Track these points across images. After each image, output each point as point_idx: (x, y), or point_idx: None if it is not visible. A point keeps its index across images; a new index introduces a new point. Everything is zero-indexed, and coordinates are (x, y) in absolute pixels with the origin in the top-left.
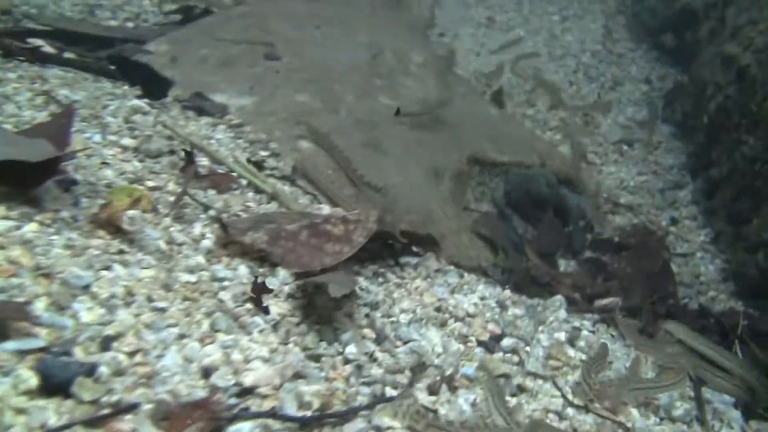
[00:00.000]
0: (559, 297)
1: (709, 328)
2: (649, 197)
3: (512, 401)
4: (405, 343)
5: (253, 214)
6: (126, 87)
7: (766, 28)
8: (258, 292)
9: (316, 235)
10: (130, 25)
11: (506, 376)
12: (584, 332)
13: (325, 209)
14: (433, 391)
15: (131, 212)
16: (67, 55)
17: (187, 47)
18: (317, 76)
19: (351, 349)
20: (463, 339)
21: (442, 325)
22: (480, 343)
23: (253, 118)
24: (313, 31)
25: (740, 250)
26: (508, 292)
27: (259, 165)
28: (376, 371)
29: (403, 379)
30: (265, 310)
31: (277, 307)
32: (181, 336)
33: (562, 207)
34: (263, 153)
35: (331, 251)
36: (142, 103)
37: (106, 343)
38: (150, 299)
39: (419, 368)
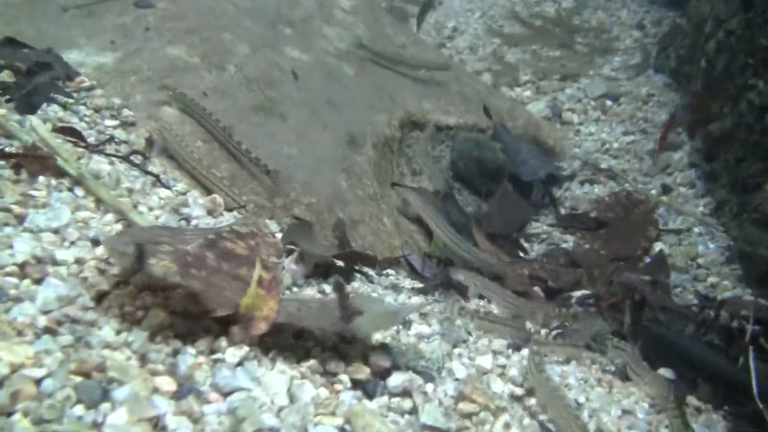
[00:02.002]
0: None
1: (709, 325)
2: (636, 161)
3: None
4: (225, 395)
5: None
6: None
7: None
8: None
9: (223, 258)
10: None
11: None
12: (527, 351)
13: (157, 196)
14: None
15: None
16: None
17: None
18: (200, 24)
19: (118, 417)
20: (329, 379)
21: (299, 359)
22: (355, 385)
23: (110, 79)
24: None
25: (747, 225)
26: (415, 301)
27: (75, 134)
28: None
29: None
30: None
31: (10, 353)
32: None
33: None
34: (110, 123)
35: (249, 278)
36: None
37: None
38: None
39: None
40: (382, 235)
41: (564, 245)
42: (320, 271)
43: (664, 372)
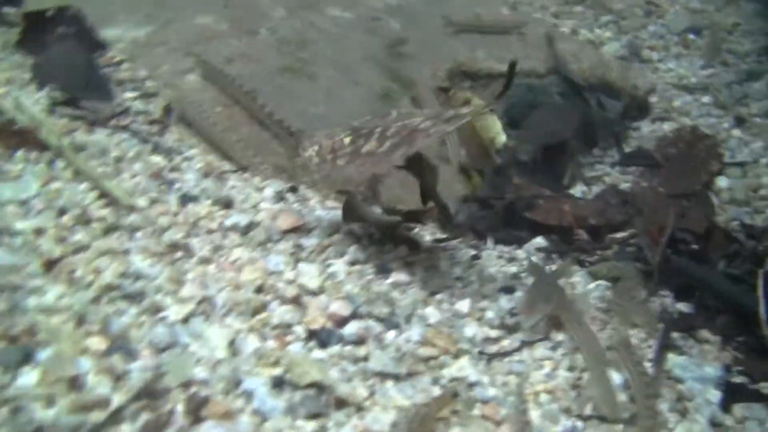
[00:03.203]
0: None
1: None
2: (713, 95)
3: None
4: (160, 351)
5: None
6: None
7: None
8: None
9: None
10: None
11: (317, 386)
12: (519, 293)
13: (145, 163)
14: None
15: None
16: None
17: None
18: None
19: (28, 378)
20: (282, 331)
21: (254, 313)
22: (311, 335)
23: (141, 52)
24: None
25: None
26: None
27: (73, 104)
28: (42, 415)
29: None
30: None
31: None
32: None
33: (585, 122)
34: (130, 95)
35: None
36: None
37: None
38: None
39: (146, 394)
40: (413, 186)
41: (624, 186)
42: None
43: (684, 306)
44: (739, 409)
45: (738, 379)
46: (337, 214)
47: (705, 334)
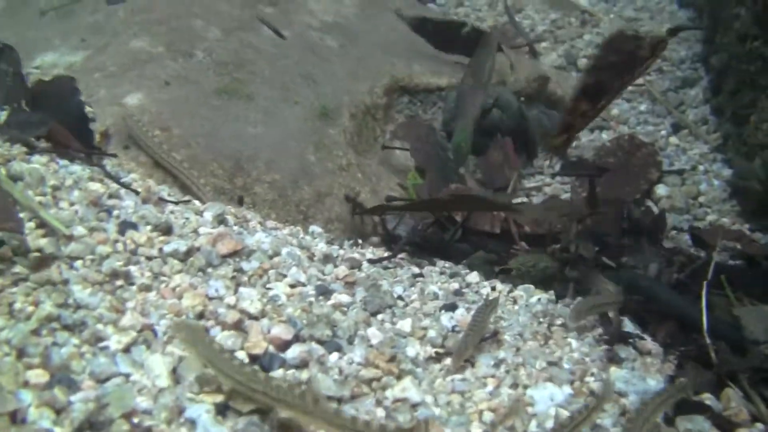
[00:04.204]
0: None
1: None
2: (649, 103)
3: None
4: (101, 382)
5: None
6: None
7: None
8: None
9: None
10: None
11: (261, 412)
12: (461, 310)
13: (82, 191)
14: None
15: None
16: None
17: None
18: (169, 14)
19: None
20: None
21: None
22: (253, 360)
23: (78, 77)
24: None
25: (741, 158)
26: (361, 269)
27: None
28: None
29: None
30: None
31: None
32: None
33: (522, 132)
34: None
35: None
36: None
37: None
38: None
39: (89, 426)
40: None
41: (565, 196)
42: None
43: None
44: (682, 421)
45: None
46: (278, 234)
47: (647, 345)
